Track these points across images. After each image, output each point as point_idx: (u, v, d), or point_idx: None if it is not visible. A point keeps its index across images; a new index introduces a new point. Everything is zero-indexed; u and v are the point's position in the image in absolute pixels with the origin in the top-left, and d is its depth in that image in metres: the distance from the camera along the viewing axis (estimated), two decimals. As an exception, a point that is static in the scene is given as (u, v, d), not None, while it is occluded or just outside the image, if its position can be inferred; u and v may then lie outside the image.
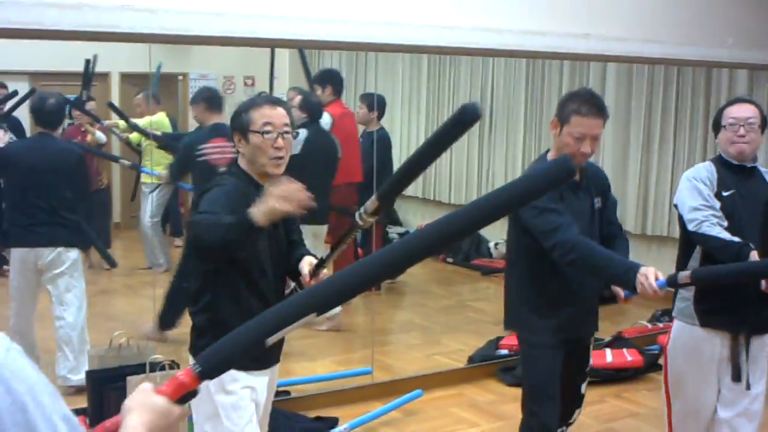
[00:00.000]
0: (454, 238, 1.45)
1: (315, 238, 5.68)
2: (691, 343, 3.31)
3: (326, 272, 2.68)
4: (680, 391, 3.40)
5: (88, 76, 6.29)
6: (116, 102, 6.79)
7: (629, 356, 4.96)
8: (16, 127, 7.32)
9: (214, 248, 2.49)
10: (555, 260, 2.95)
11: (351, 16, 4.11)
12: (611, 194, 3.34)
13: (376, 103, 6.47)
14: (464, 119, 1.85)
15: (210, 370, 1.31)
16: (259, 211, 2.35)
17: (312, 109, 5.59)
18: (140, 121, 6.84)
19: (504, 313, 3.32)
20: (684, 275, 2.76)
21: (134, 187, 6.61)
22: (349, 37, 4.11)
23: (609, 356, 4.94)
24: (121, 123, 6.91)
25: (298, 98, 5.60)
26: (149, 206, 6.53)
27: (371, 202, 2.27)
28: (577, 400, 3.39)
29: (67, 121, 6.11)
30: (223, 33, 3.63)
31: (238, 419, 2.64)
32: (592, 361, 3.39)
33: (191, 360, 2.75)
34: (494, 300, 5.32)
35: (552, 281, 3.09)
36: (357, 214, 2.34)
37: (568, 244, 2.89)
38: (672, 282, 2.75)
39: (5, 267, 6.39)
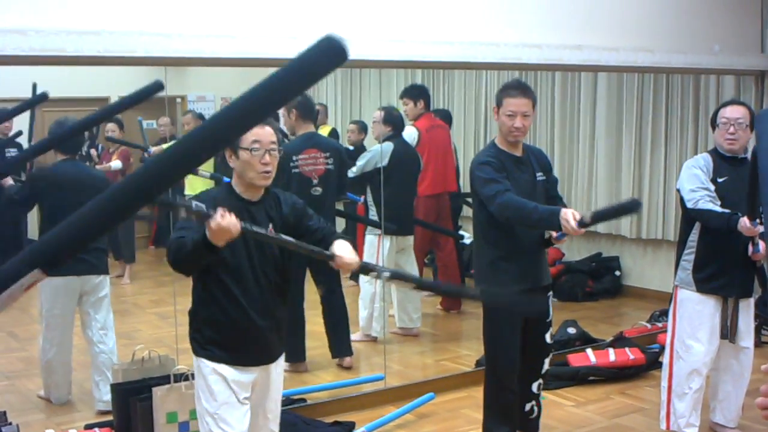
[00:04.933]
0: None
1: (400, 252, 5.75)
2: (690, 306, 3.89)
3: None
4: (684, 351, 3.92)
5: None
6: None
7: (631, 354, 5.09)
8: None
9: (184, 267, 2.72)
10: (498, 220, 3.52)
11: (354, 34, 4.26)
12: (552, 173, 3.89)
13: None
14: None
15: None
16: (213, 235, 2.49)
17: (395, 123, 5.69)
18: None
19: (474, 270, 3.91)
20: (587, 216, 3.33)
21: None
22: (358, 55, 4.25)
23: (612, 355, 5.07)
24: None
25: (378, 113, 5.59)
26: None
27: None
28: (543, 351, 3.84)
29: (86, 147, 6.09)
30: (238, 55, 3.78)
31: (213, 401, 2.85)
32: (552, 314, 3.82)
33: (194, 358, 2.93)
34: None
35: (504, 240, 3.62)
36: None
37: (503, 204, 3.46)
38: (582, 223, 3.29)
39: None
